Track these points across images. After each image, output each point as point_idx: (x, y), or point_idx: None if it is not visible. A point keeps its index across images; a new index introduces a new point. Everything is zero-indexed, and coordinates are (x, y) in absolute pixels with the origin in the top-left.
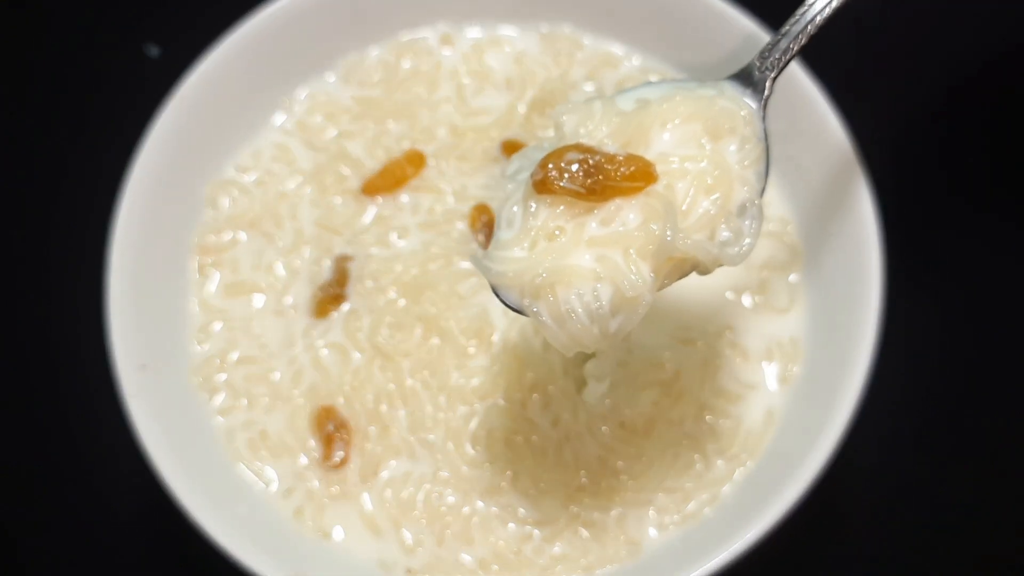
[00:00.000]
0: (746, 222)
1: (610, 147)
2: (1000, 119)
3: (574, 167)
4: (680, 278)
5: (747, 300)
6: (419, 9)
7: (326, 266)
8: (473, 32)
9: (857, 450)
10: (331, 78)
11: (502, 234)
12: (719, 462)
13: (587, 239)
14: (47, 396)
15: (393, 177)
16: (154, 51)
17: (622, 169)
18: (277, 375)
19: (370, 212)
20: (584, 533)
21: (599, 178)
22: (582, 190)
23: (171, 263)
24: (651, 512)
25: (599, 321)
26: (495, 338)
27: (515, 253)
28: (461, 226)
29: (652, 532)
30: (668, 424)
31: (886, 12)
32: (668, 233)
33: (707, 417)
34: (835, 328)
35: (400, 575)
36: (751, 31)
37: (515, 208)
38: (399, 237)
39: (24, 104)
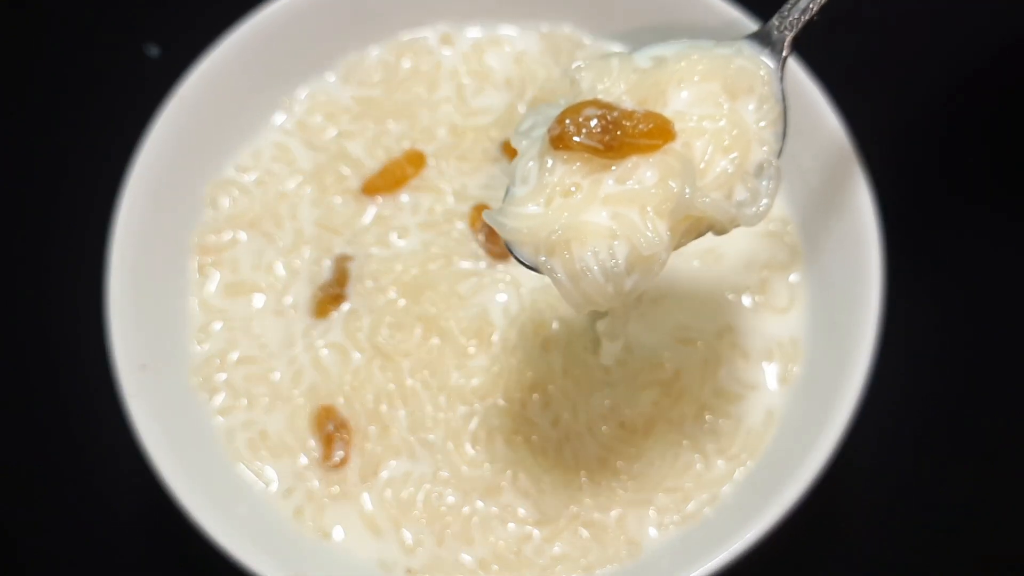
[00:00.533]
0: (763, 182)
1: (627, 104)
2: (1000, 118)
3: (592, 123)
4: (696, 237)
5: (747, 300)
6: (419, 9)
7: (326, 266)
8: (473, 32)
9: (857, 450)
10: (331, 78)
11: (517, 190)
12: (719, 462)
13: (603, 196)
14: (47, 396)
15: (393, 177)
16: (154, 51)
17: (640, 126)
18: (277, 375)
19: (370, 212)
20: (584, 533)
21: (617, 134)
22: (600, 146)
23: (171, 263)
24: (651, 512)
25: (614, 279)
26: (495, 338)
27: (530, 209)
28: (461, 226)
29: (652, 532)
30: (668, 424)
31: (886, 11)
32: (686, 191)
33: (707, 417)
34: (835, 328)
35: (400, 575)
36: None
37: (530, 164)
38: (399, 237)
39: (24, 104)
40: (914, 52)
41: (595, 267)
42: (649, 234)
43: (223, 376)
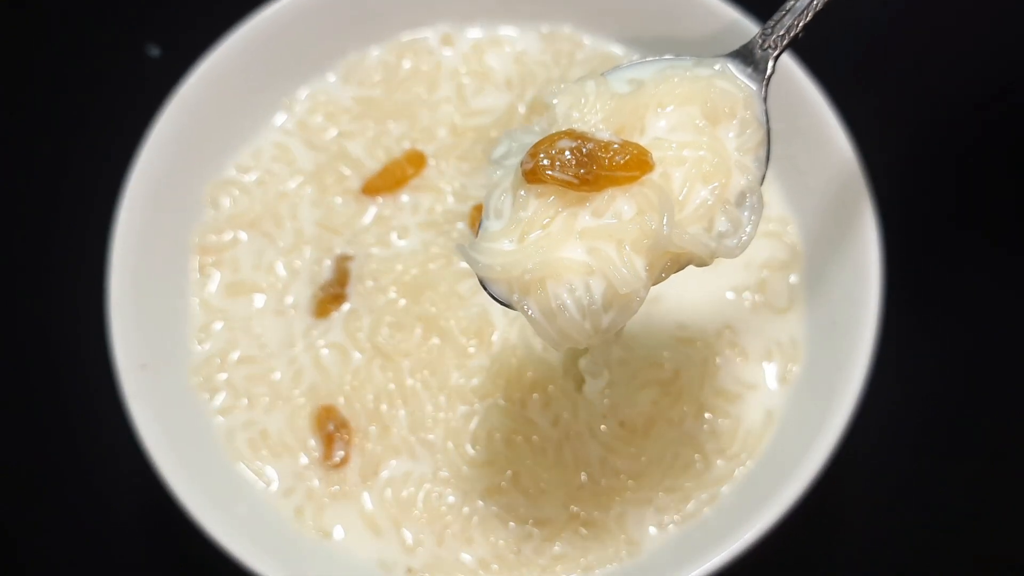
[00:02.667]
0: (745, 212)
1: (604, 133)
2: (1000, 118)
3: (566, 155)
4: (677, 271)
5: (747, 300)
6: (420, 10)
7: (326, 266)
8: (474, 32)
9: (856, 450)
10: (332, 78)
11: (490, 224)
12: (719, 462)
13: (579, 231)
14: (48, 396)
15: (393, 177)
16: (155, 51)
17: (617, 158)
18: (277, 375)
19: (370, 212)
20: (584, 532)
21: (592, 167)
22: (575, 180)
23: (172, 263)
24: (651, 511)
25: (591, 317)
26: (495, 338)
27: (504, 246)
28: (461, 226)
29: (652, 531)
30: (668, 423)
31: (886, 12)
32: (664, 226)
33: (707, 416)
34: (834, 328)
35: (400, 574)
36: (752, 32)
37: (504, 196)
38: (399, 237)
39: (25, 104)
40: (915, 53)
41: (571, 304)
42: (625, 271)
43: (224, 376)
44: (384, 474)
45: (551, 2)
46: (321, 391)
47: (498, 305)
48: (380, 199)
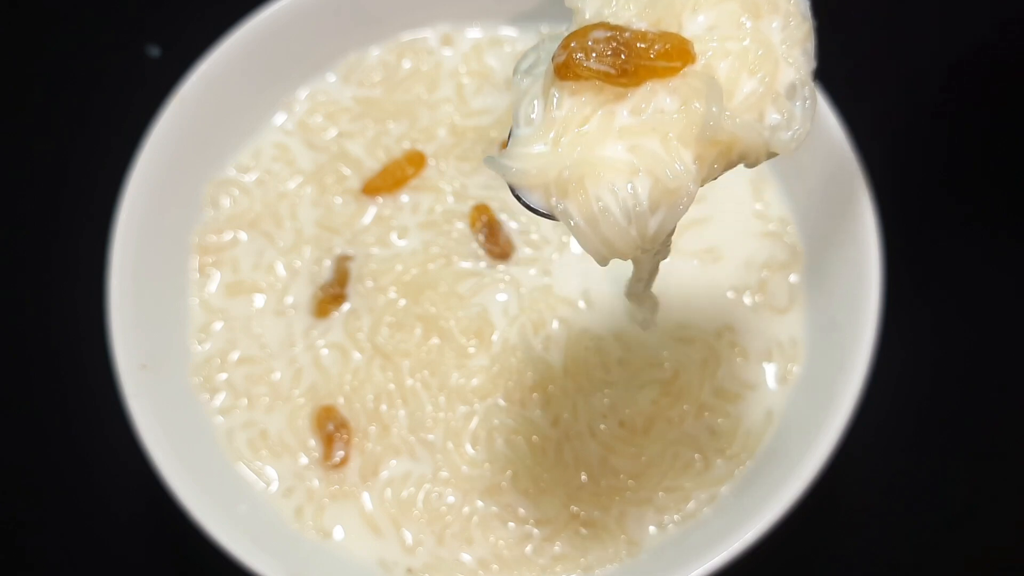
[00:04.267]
0: (797, 104)
1: (639, 25)
2: (1000, 118)
3: (601, 46)
4: (726, 169)
5: (747, 300)
6: (420, 11)
7: (326, 266)
8: (473, 32)
9: (856, 450)
10: (332, 78)
11: (520, 131)
12: (718, 461)
13: (618, 128)
14: (48, 396)
15: (393, 177)
16: (155, 51)
17: (656, 46)
18: (277, 375)
19: (370, 212)
20: (584, 532)
21: (631, 57)
22: (612, 71)
23: (171, 263)
24: (651, 511)
25: (637, 220)
26: (495, 338)
27: (537, 149)
28: (461, 226)
29: (652, 531)
30: (667, 423)
31: (885, 12)
32: (713, 111)
33: (706, 416)
34: (835, 328)
35: (400, 574)
36: None
37: (535, 102)
38: (399, 237)
39: (25, 104)
40: (914, 53)
41: (615, 206)
42: (675, 164)
43: (224, 376)
44: (384, 474)
45: (550, 3)
46: (321, 391)
47: (498, 304)
48: (380, 199)
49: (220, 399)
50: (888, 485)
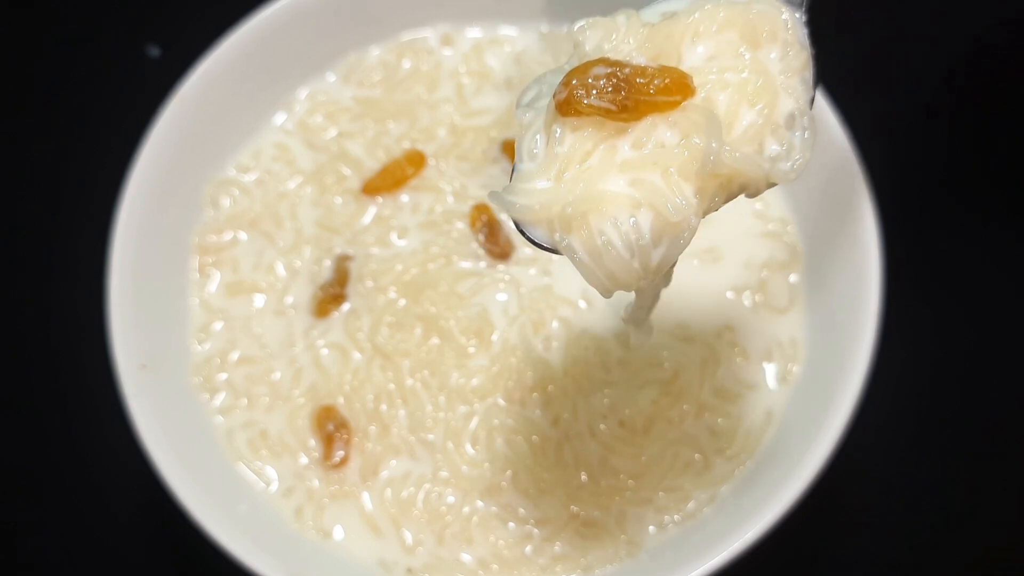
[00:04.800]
0: (796, 134)
1: (639, 59)
2: (999, 119)
3: (602, 82)
4: (727, 201)
5: (747, 300)
6: (420, 11)
7: (326, 266)
8: (473, 32)
9: (856, 450)
10: (331, 78)
11: (524, 166)
12: (718, 461)
13: (620, 163)
14: (48, 396)
15: (393, 177)
16: (155, 51)
17: (656, 81)
18: (277, 375)
19: (370, 212)
20: (584, 532)
21: (631, 93)
22: (612, 107)
23: (172, 263)
24: (651, 511)
25: (640, 253)
26: (495, 338)
27: (540, 184)
28: (461, 226)
29: (652, 531)
30: (667, 423)
31: (886, 12)
32: (713, 146)
33: (706, 416)
34: (834, 328)
35: (400, 574)
36: None
37: (537, 137)
38: (399, 237)
39: (26, 104)
40: (914, 53)
41: (617, 240)
42: (677, 199)
43: (223, 376)
44: (384, 474)
45: (550, 2)
46: (321, 391)
47: (498, 304)
48: (380, 199)
49: (220, 399)
50: (888, 485)
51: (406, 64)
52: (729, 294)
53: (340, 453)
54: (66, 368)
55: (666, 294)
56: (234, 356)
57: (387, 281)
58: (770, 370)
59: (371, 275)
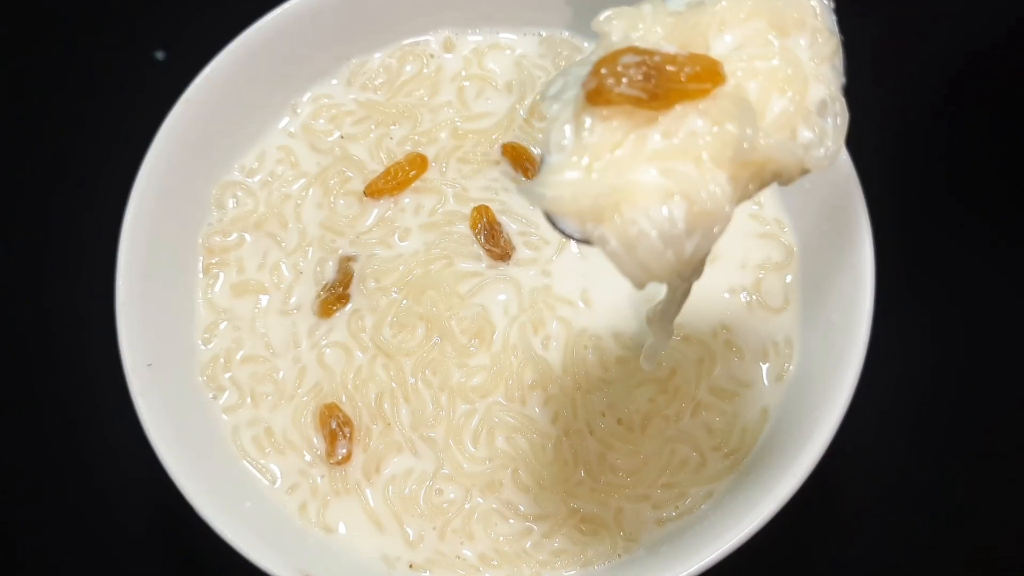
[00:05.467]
0: (828, 120)
1: (668, 47)
2: (997, 119)
3: (632, 70)
4: (760, 189)
5: (743, 299)
6: (422, 18)
7: (330, 267)
8: (474, 37)
9: (856, 450)
10: (335, 82)
11: (553, 158)
12: (715, 458)
13: (650, 152)
14: (56, 395)
15: (395, 179)
16: (161, 56)
17: (687, 69)
18: (282, 373)
19: (373, 214)
20: (583, 528)
21: (661, 81)
22: (643, 95)
23: (178, 263)
24: (648, 507)
25: (673, 243)
26: (495, 337)
27: (570, 176)
28: (462, 227)
29: (650, 527)
30: (665, 421)
31: (886, 13)
32: (747, 132)
33: (703, 414)
34: (829, 327)
35: (403, 569)
36: None
37: (565, 127)
38: (401, 238)
39: (33, 107)
40: (912, 53)
41: (651, 230)
42: (710, 187)
43: (229, 375)
44: (386, 471)
45: (550, 9)
46: (325, 390)
47: (499, 304)
48: (382, 201)
49: (225, 397)
50: (888, 485)
51: (408, 68)
52: (725, 294)
53: (343, 450)
54: (73, 368)
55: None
56: (239, 355)
57: (390, 282)
58: (766, 369)
59: (374, 276)
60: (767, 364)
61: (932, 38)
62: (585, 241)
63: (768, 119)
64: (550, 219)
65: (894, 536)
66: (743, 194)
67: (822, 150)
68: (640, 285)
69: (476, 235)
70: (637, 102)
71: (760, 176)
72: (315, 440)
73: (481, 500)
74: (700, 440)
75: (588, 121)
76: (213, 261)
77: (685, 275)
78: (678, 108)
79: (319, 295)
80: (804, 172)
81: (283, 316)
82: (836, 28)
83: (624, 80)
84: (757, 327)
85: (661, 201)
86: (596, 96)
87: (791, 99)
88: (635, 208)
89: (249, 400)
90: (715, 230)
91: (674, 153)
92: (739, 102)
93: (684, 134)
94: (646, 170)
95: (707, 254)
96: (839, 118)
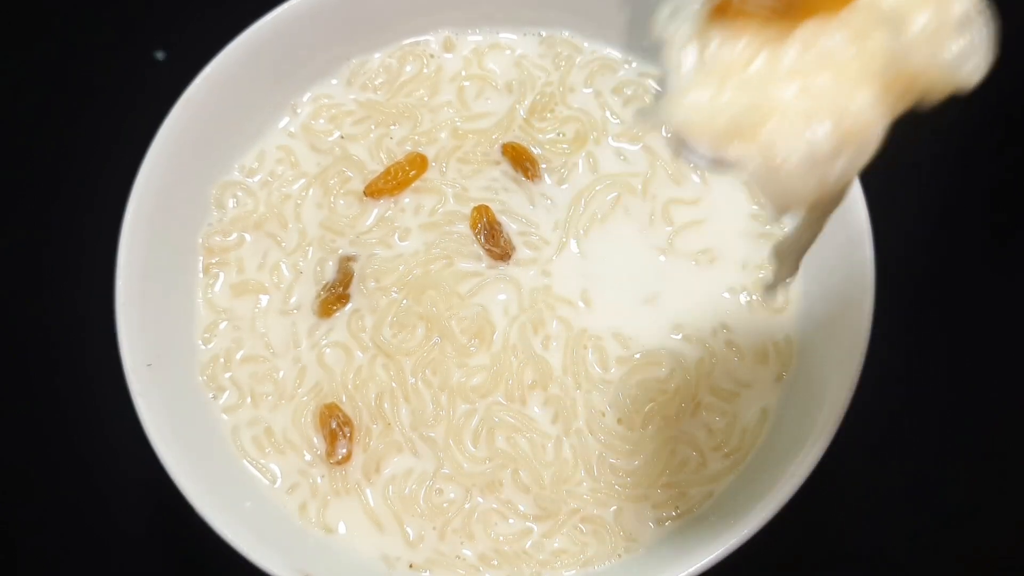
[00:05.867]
0: (973, 34)
1: None
2: (995, 120)
3: None
4: (908, 105)
5: (743, 299)
6: (422, 18)
7: (330, 267)
8: (474, 37)
9: (855, 450)
10: (335, 82)
11: (679, 79)
12: (715, 458)
13: (787, 70)
14: (55, 395)
15: (395, 179)
16: (162, 56)
17: None
18: (282, 373)
19: (373, 214)
20: (583, 528)
21: None
22: (777, 4)
23: (178, 263)
24: (648, 507)
25: (818, 165)
26: (495, 337)
27: (700, 95)
28: (462, 227)
29: (649, 527)
30: (664, 421)
31: None
32: (895, 42)
33: (703, 414)
34: (829, 327)
35: (403, 569)
36: None
37: (687, 48)
38: (401, 238)
39: (33, 107)
40: None
41: (793, 152)
42: (858, 103)
43: (229, 375)
44: (386, 471)
45: (550, 9)
46: (324, 390)
47: (498, 304)
48: (382, 201)
49: (225, 397)
50: (888, 485)
51: (408, 68)
52: (725, 294)
53: (343, 450)
54: (72, 368)
55: (664, 294)
56: (239, 355)
57: (390, 282)
58: (766, 369)
59: (374, 276)
60: (767, 364)
61: None
62: (716, 167)
63: (912, 32)
64: (675, 147)
65: (894, 536)
66: (891, 112)
67: (971, 63)
68: (781, 211)
69: (476, 235)
70: (769, 16)
71: (909, 92)
72: (315, 440)
73: (481, 500)
74: (700, 440)
75: (714, 37)
76: (213, 261)
77: (828, 200)
78: (814, 21)
79: (319, 295)
80: (954, 88)
81: (283, 316)
82: None
83: None
84: (757, 327)
85: (805, 119)
86: (723, 10)
87: (933, 14)
88: (777, 127)
89: (249, 400)
90: (865, 150)
91: (815, 68)
92: (881, 12)
93: (825, 48)
94: (783, 88)
95: (853, 179)
96: (984, 29)
